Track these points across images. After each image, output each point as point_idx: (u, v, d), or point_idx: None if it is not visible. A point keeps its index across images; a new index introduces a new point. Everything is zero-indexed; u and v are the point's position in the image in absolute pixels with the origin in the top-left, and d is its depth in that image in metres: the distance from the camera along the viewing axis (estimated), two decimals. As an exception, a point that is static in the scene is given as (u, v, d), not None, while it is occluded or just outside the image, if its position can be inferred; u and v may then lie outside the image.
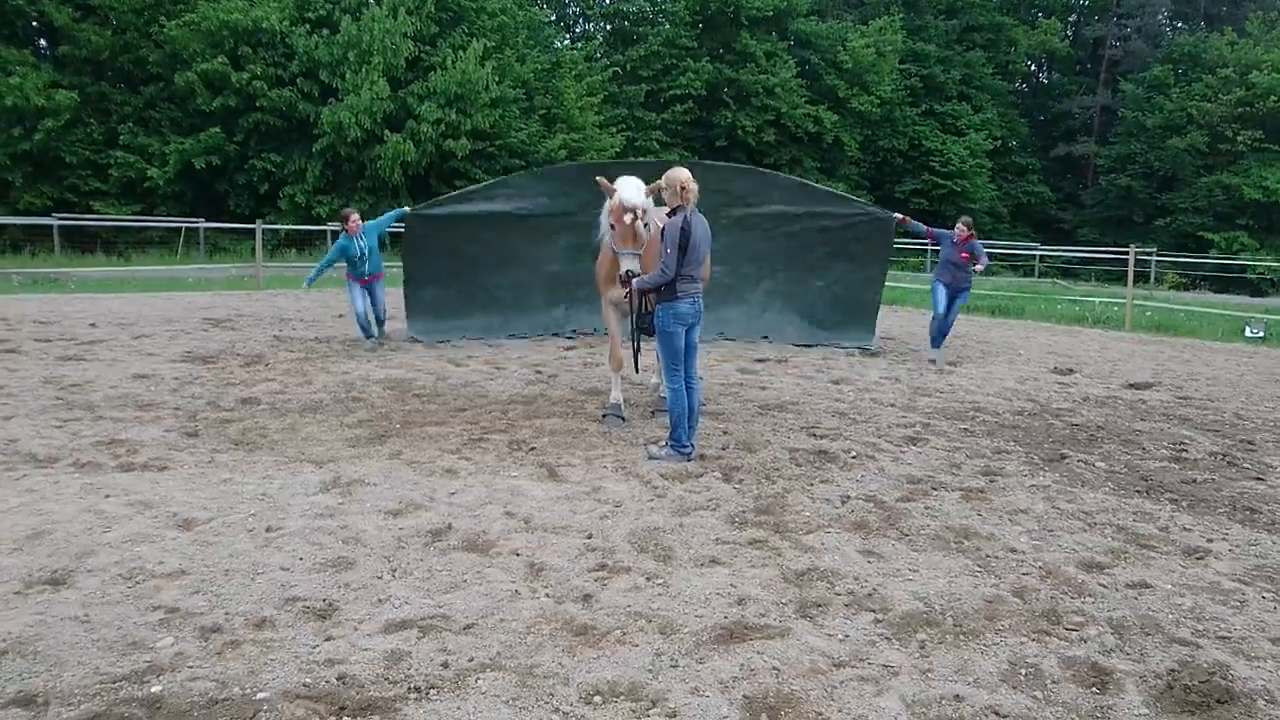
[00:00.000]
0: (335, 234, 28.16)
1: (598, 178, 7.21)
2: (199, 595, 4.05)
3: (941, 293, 11.72)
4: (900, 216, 12.03)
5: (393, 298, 12.33)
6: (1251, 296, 30.32)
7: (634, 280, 6.69)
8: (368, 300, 11.49)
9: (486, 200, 12.06)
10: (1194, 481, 6.55)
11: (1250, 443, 7.88)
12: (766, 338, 12.95)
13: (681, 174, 6.42)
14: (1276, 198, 38.44)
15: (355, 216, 11.21)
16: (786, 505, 5.61)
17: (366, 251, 11.23)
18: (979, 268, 11.42)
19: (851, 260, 12.38)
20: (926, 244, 34.66)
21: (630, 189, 6.84)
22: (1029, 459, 7.00)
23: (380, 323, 11.73)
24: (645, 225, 6.77)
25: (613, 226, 6.90)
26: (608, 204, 7.19)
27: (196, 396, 8.33)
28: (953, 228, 11.74)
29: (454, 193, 11.80)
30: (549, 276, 12.58)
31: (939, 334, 11.98)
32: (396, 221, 12.01)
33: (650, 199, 6.99)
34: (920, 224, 12.26)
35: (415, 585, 4.25)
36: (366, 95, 26.49)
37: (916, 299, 20.26)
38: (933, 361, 11.68)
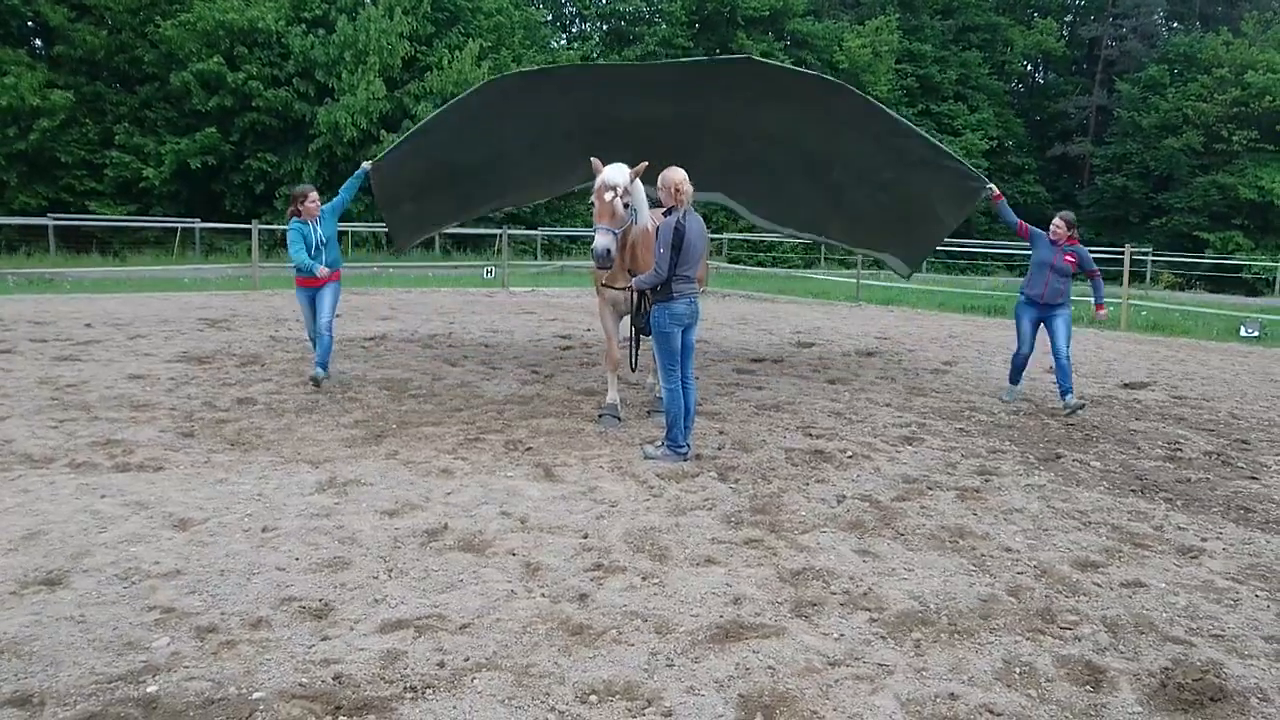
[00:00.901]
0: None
1: (592, 158, 7.16)
2: (195, 595, 4.05)
3: (1028, 316, 9.05)
4: (995, 191, 9.04)
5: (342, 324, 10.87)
6: (1246, 296, 30.35)
7: (632, 280, 6.69)
8: (312, 306, 8.94)
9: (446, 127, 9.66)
10: (1188, 481, 6.57)
11: (1245, 442, 7.90)
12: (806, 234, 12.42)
13: (676, 175, 6.41)
14: (1272, 197, 38.49)
15: (315, 195, 8.83)
16: (782, 505, 5.62)
17: (325, 241, 8.85)
18: (1097, 276, 8.92)
19: (923, 203, 9.92)
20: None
21: (614, 169, 6.85)
22: (1024, 458, 7.02)
23: (320, 341, 8.81)
24: (625, 205, 6.75)
25: (593, 204, 6.89)
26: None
27: (192, 397, 8.33)
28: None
29: (412, 130, 9.86)
30: (524, 149, 10.42)
31: (1020, 370, 9.38)
32: (361, 185, 9.33)
33: (636, 181, 6.95)
34: (1013, 213, 9.39)
35: (411, 585, 4.25)
36: (362, 95, 26.49)
37: (913, 298, 20.24)
38: (1005, 400, 9.32)
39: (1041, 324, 8.96)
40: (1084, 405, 8.61)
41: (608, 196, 6.68)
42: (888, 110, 9.01)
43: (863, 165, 9.90)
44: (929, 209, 9.88)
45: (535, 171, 11.14)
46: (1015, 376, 9.40)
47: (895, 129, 8.87)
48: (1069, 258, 8.78)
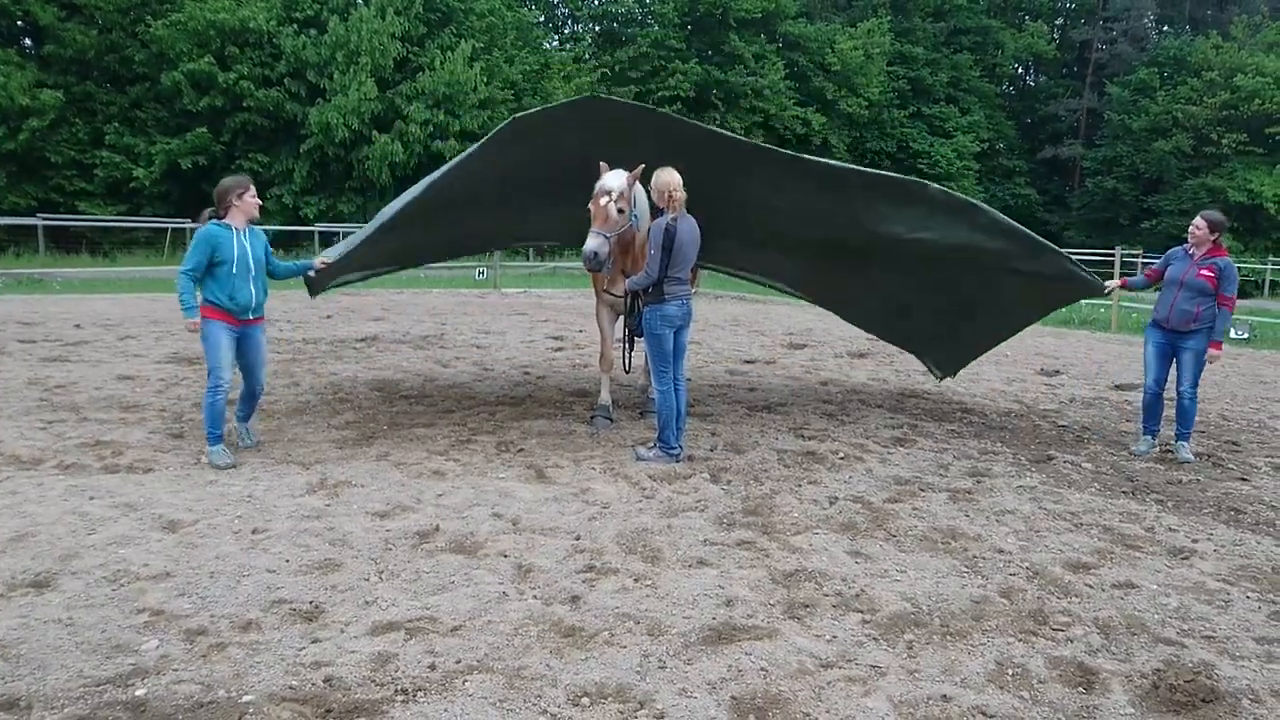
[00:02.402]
0: (327, 236, 28.14)
1: (601, 162, 7.03)
2: (184, 598, 4.03)
3: (1153, 342, 7.34)
4: (1118, 282, 7.85)
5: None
6: (1236, 298, 30.52)
7: (626, 281, 6.67)
8: (233, 352, 6.27)
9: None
10: (1179, 482, 6.58)
11: (1235, 444, 7.93)
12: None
13: (671, 179, 6.40)
14: (1260, 200, 38.75)
15: (253, 191, 6.32)
16: (774, 506, 5.62)
17: (250, 265, 6.19)
18: (1227, 304, 7.04)
19: (995, 304, 8.04)
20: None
21: (612, 175, 6.80)
22: (1016, 460, 7.03)
23: (254, 399, 6.69)
24: (620, 210, 6.70)
25: (589, 208, 6.84)
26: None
27: (182, 398, 8.29)
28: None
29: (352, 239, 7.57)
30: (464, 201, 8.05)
31: (1152, 413, 7.46)
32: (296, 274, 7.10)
33: (638, 187, 6.90)
34: (1141, 276, 7.89)
35: (402, 587, 4.23)
36: (354, 96, 26.45)
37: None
38: (1134, 455, 7.38)
39: (1171, 355, 7.27)
40: (1193, 461, 7.20)
41: (603, 201, 6.65)
42: (984, 207, 7.22)
43: (927, 256, 7.63)
44: (1001, 310, 8.03)
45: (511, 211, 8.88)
46: (1147, 423, 7.50)
47: (995, 226, 7.10)
48: (1206, 271, 6.96)
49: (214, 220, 6.16)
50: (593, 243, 6.56)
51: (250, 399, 6.66)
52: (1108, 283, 7.53)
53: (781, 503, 5.69)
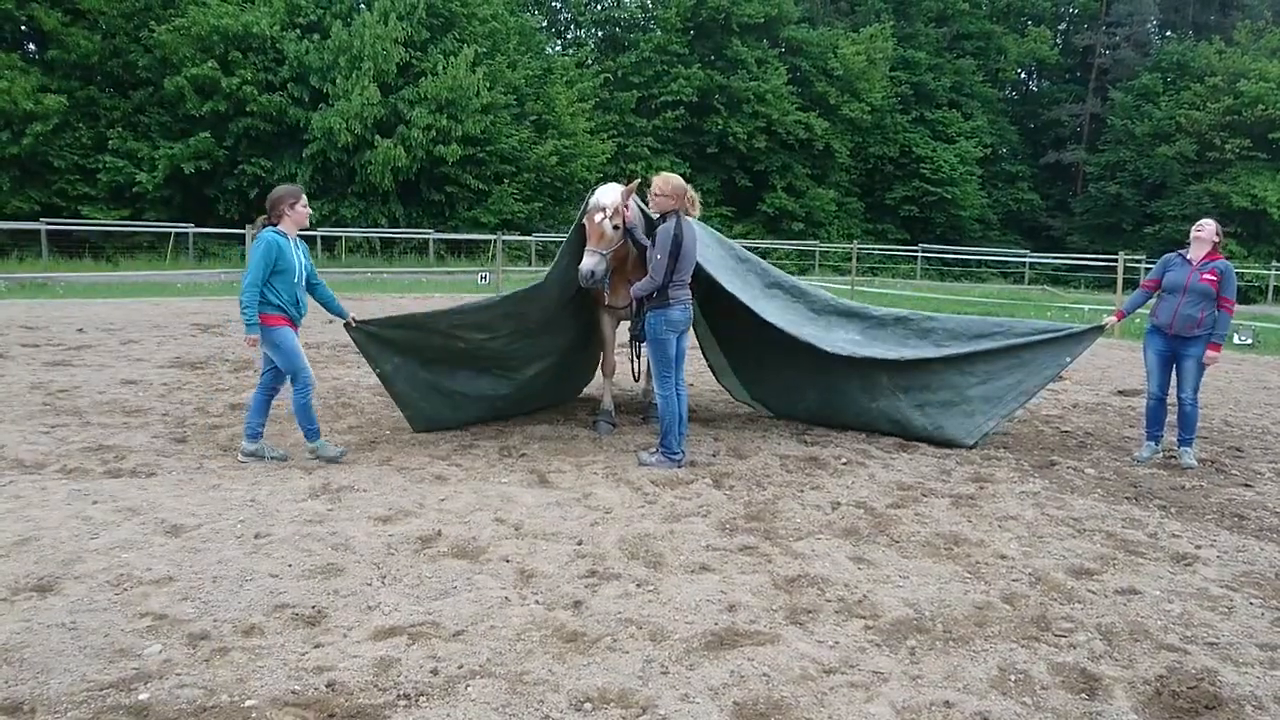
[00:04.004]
0: (329, 240, 28.26)
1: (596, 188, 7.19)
2: (187, 602, 4.03)
3: (1154, 349, 7.30)
4: (1112, 318, 7.76)
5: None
6: (1239, 304, 30.52)
7: (632, 288, 6.66)
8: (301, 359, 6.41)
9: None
10: (1182, 488, 6.57)
11: (1238, 449, 7.91)
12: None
13: (681, 181, 6.44)
14: (1264, 206, 38.72)
15: (305, 200, 6.43)
16: (777, 511, 5.62)
17: (309, 269, 6.44)
18: (1227, 308, 6.98)
19: (1013, 367, 7.53)
20: (916, 251, 35.05)
21: (605, 190, 6.83)
22: (1019, 465, 7.02)
23: (273, 395, 6.70)
24: (615, 226, 6.72)
25: (583, 226, 6.86)
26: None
27: (185, 402, 8.30)
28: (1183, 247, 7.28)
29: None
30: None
31: (1155, 419, 7.40)
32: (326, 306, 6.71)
33: (631, 200, 6.92)
34: (1137, 293, 7.70)
35: (405, 592, 4.23)
36: (357, 100, 26.49)
37: (907, 306, 20.24)
38: (1138, 461, 7.34)
39: (1173, 360, 7.22)
40: (1196, 467, 7.16)
41: (598, 218, 6.65)
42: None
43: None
44: (1008, 381, 7.57)
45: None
46: (1150, 429, 7.45)
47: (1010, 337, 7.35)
48: (1209, 275, 6.94)
49: (270, 228, 6.23)
50: (589, 261, 6.58)
51: (265, 409, 6.61)
52: (1105, 321, 7.64)
53: (784, 508, 5.69)
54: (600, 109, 36.19)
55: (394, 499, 5.59)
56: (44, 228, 23.32)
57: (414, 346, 7.08)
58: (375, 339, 6.90)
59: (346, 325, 6.76)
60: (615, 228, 6.68)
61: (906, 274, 33.53)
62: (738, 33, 39.19)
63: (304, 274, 6.33)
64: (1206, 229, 7.08)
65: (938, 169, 42.52)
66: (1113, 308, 18.20)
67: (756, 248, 30.76)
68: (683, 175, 6.53)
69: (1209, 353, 7.06)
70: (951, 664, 3.70)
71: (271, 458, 6.51)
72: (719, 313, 8.34)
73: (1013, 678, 3.61)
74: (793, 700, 3.37)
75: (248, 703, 3.23)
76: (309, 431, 6.49)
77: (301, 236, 6.47)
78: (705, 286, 7.40)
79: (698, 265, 6.76)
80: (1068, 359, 7.46)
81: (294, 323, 6.31)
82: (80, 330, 12.54)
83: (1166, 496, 6.32)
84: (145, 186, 26.26)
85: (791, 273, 9.89)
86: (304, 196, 6.42)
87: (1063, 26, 54.52)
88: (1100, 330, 7.46)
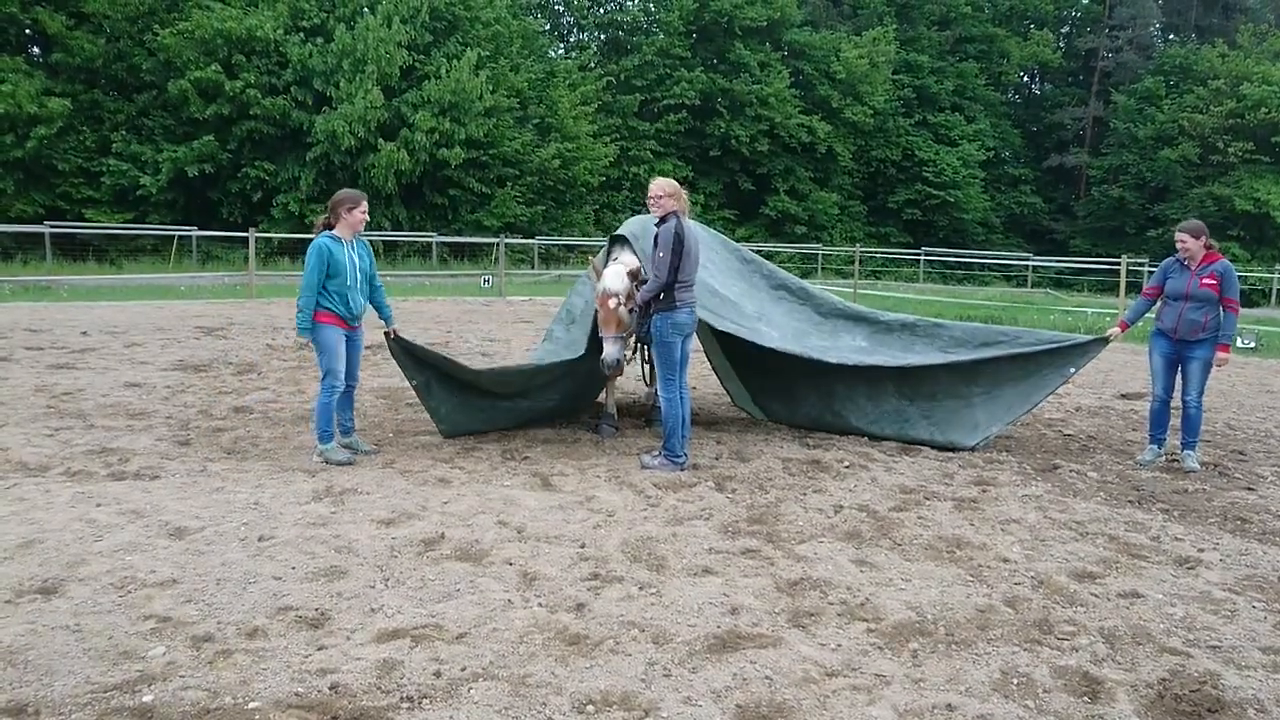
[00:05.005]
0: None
1: (592, 261, 7.23)
2: (191, 604, 4.04)
3: (1159, 351, 7.27)
4: (1116, 330, 7.64)
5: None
6: (1243, 307, 30.47)
7: (638, 293, 6.62)
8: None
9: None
10: (1185, 491, 6.57)
11: (1241, 453, 7.91)
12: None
13: (672, 182, 6.49)
14: (1267, 209, 38.63)
15: (364, 207, 6.57)
16: (779, 515, 5.62)
17: (358, 275, 6.55)
18: (1232, 308, 7.00)
19: (1018, 378, 7.59)
20: (919, 254, 35.05)
21: (611, 276, 6.75)
22: (1021, 469, 7.02)
23: (351, 400, 6.98)
24: (630, 310, 6.72)
25: (597, 310, 6.87)
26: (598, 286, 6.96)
27: (188, 405, 8.31)
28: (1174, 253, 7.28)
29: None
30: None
31: (1159, 422, 7.43)
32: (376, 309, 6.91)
33: (633, 284, 6.75)
34: (1139, 301, 7.71)
35: (408, 594, 4.24)
36: (360, 104, 26.51)
37: (910, 309, 20.18)
38: (1140, 464, 7.37)
39: (1178, 363, 7.20)
40: (1199, 470, 7.19)
41: (611, 304, 6.65)
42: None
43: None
44: (1013, 391, 7.62)
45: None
46: (1153, 431, 7.46)
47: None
48: (1209, 280, 6.95)
49: (326, 231, 6.48)
50: (612, 349, 6.65)
51: (349, 404, 6.89)
52: (1109, 332, 7.70)
53: (786, 511, 5.69)
54: (603, 112, 36.19)
55: (397, 502, 5.60)
56: (48, 231, 23.36)
57: (448, 371, 7.29)
58: (412, 355, 7.06)
59: (386, 334, 6.88)
60: (630, 311, 6.70)
61: (909, 277, 33.52)
62: (740, 36, 39.19)
63: (361, 275, 6.57)
64: (1188, 240, 7.06)
65: (940, 172, 42.47)
66: (1116, 311, 18.20)
67: (759, 251, 30.79)
68: (685, 179, 6.63)
69: (1218, 354, 7.03)
70: (954, 667, 3.70)
71: (363, 452, 6.81)
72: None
73: (1015, 681, 3.61)
74: (795, 703, 3.38)
75: (251, 705, 3.24)
76: (323, 434, 6.55)
77: (306, 239, 6.57)
78: (711, 299, 7.45)
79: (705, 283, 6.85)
80: (1072, 370, 7.55)
81: (346, 322, 6.53)
82: (84, 333, 12.57)
83: (1169, 500, 6.32)
84: (149, 190, 26.29)
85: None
86: (364, 202, 6.59)
87: (1065, 30, 54.44)
88: (1105, 342, 7.57)
